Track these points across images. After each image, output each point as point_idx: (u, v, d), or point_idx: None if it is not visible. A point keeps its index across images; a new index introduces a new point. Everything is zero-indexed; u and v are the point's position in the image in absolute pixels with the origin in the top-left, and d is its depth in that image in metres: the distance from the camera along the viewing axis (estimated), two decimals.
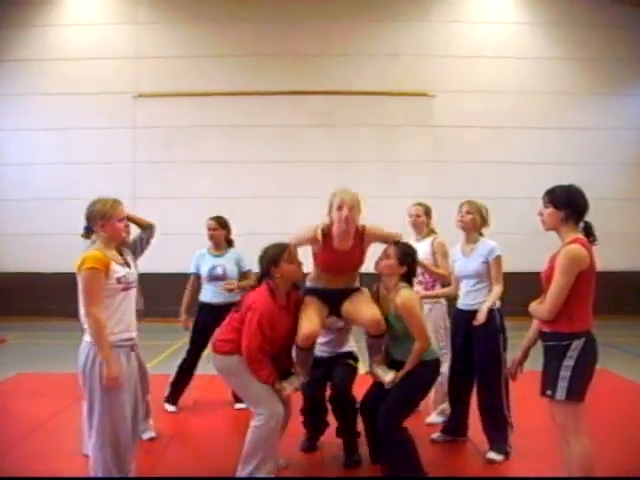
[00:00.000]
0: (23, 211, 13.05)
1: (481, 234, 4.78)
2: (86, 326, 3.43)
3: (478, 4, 13.66)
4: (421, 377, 3.97)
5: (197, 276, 5.84)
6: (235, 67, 13.19)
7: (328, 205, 4.10)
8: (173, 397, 5.71)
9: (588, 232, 3.42)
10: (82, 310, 3.48)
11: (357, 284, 4.28)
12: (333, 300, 4.16)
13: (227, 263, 5.80)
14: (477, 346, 4.58)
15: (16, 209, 13.09)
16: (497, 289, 4.58)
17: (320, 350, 4.48)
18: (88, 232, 3.61)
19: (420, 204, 5.28)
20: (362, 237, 4.10)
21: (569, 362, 3.27)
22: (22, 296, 12.48)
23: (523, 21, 13.66)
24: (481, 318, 4.45)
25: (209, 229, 5.86)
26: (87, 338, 3.45)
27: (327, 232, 4.07)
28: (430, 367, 4.00)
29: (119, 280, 3.49)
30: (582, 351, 3.28)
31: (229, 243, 5.94)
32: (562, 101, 13.40)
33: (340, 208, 3.98)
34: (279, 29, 13.16)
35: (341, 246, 4.06)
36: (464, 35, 13.47)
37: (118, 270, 3.50)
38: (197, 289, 5.89)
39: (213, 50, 13.30)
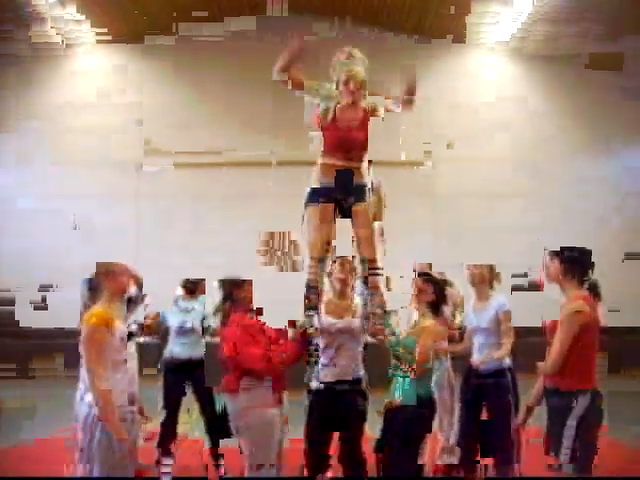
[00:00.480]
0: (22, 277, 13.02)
1: (492, 287, 4.81)
2: (87, 382, 3.37)
3: (474, 79, 14.01)
4: (419, 414, 3.89)
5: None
6: (241, 136, 13.42)
7: (334, 70, 4.19)
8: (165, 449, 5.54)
9: (593, 290, 3.43)
10: (83, 371, 3.42)
11: (365, 180, 4.27)
12: (341, 194, 4.19)
13: (196, 316, 5.85)
14: (488, 406, 4.55)
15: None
16: (507, 343, 4.57)
17: (324, 374, 4.36)
18: (93, 290, 3.61)
19: (427, 264, 5.44)
20: (366, 115, 4.22)
21: (572, 421, 3.20)
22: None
23: (518, 95, 13.96)
24: (482, 362, 4.42)
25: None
26: (87, 397, 3.38)
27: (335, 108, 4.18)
28: (425, 405, 3.93)
29: (122, 339, 3.48)
30: (587, 409, 3.22)
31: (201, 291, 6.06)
32: (560, 168, 13.61)
33: (347, 83, 4.10)
34: (280, 103, 13.39)
35: (348, 118, 4.15)
36: (462, 108, 13.76)
37: (121, 329, 3.49)
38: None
39: (217, 120, 13.61)
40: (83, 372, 3.44)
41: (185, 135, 13.51)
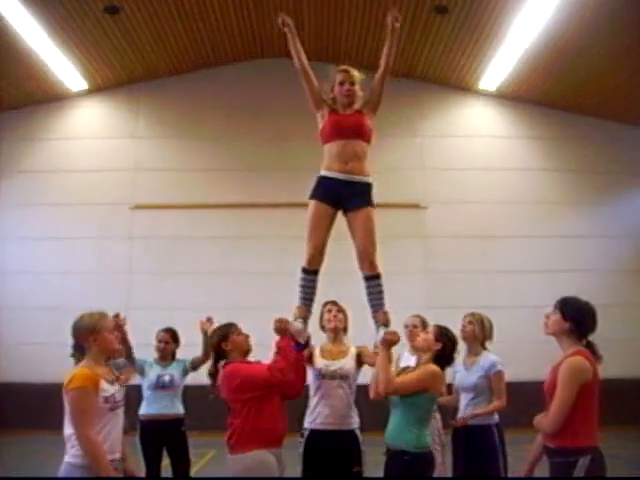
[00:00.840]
0: (17, 320, 12.91)
1: (484, 348, 4.76)
2: (69, 446, 3.24)
3: (467, 119, 14.20)
4: (419, 473, 3.77)
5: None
6: (230, 181, 13.51)
7: (329, 84, 4.30)
8: None
9: (592, 350, 3.33)
10: (67, 431, 3.28)
11: (369, 177, 4.20)
12: (341, 192, 4.09)
13: (174, 372, 5.64)
14: (476, 466, 4.44)
15: (10, 318, 12.96)
16: (496, 403, 4.51)
17: (316, 418, 4.30)
18: (79, 351, 3.44)
19: (417, 315, 5.22)
20: (361, 110, 4.25)
21: None
22: (16, 407, 12.08)
23: (511, 135, 14.16)
24: (461, 421, 4.38)
25: (161, 341, 5.70)
26: (70, 459, 3.24)
27: (332, 105, 4.27)
28: (425, 460, 3.82)
29: (107, 400, 3.32)
30: (589, 469, 3.09)
31: (173, 356, 5.78)
32: (550, 210, 13.70)
33: (342, 83, 4.21)
34: (273, 146, 13.59)
35: (346, 112, 4.21)
36: (454, 149, 13.92)
37: (107, 389, 3.34)
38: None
39: (209, 164, 13.65)
40: (66, 432, 3.31)
41: (179, 178, 13.59)
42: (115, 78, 13.70)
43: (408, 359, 4.69)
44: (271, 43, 13.20)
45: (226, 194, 13.44)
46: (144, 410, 5.56)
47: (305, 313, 4.12)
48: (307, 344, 4.09)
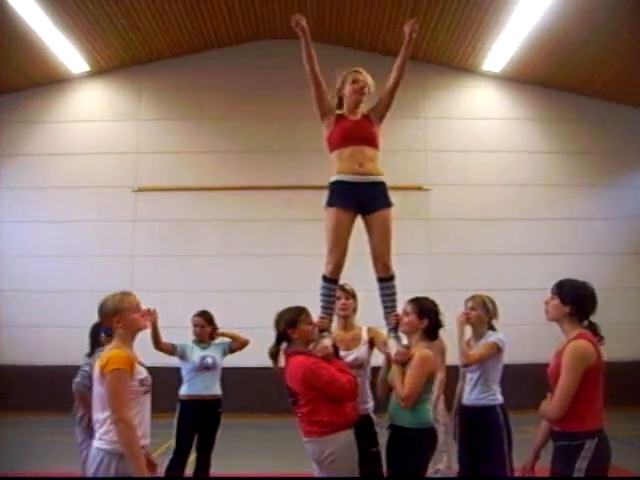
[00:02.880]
0: (20, 303, 12.97)
1: (492, 327, 4.75)
2: (102, 431, 3.20)
3: (470, 101, 14.13)
4: (421, 447, 3.82)
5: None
6: (232, 163, 13.49)
7: (339, 82, 4.32)
8: None
9: (593, 331, 3.31)
10: (100, 415, 3.25)
11: (382, 176, 4.24)
12: (361, 196, 4.09)
13: (215, 354, 5.81)
14: (480, 446, 4.44)
15: (13, 301, 13.01)
16: (471, 354, 4.51)
17: None
18: (109, 334, 3.45)
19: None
20: (368, 116, 4.28)
21: (582, 464, 3.07)
22: (18, 389, 12.16)
23: (514, 117, 14.09)
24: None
25: (196, 325, 5.87)
26: (99, 444, 3.21)
27: (338, 110, 4.29)
28: (427, 435, 3.86)
29: (142, 382, 3.31)
30: (595, 452, 3.09)
31: (212, 338, 5.95)
32: (553, 193, 13.66)
33: (356, 81, 4.22)
34: (276, 128, 13.56)
35: (353, 117, 4.23)
36: (457, 130, 13.86)
37: (141, 371, 3.34)
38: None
39: (211, 146, 13.63)
40: (98, 416, 3.28)
41: (182, 161, 13.56)
42: (117, 60, 13.63)
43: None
44: (273, 24, 13.13)
45: (229, 176, 13.42)
46: (186, 391, 5.71)
47: (329, 324, 4.15)
48: (337, 352, 4.08)
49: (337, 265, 4.12)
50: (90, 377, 4.09)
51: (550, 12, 10.98)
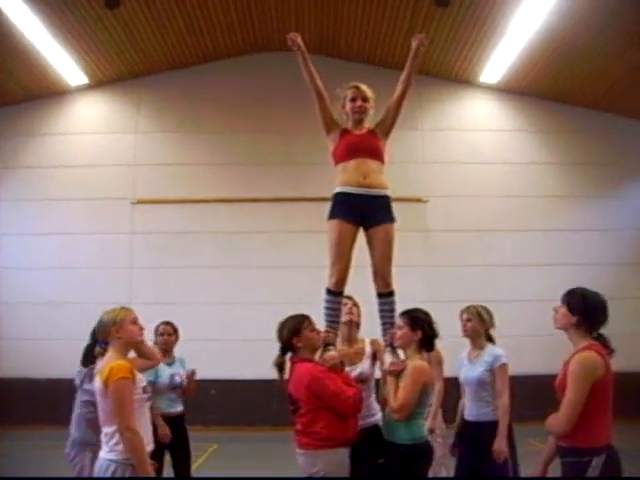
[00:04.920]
0: (18, 315, 12.94)
1: (490, 340, 4.72)
2: (113, 442, 3.21)
3: (467, 112, 14.16)
4: (415, 464, 3.75)
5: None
6: (231, 175, 13.47)
7: (342, 99, 4.31)
8: None
9: (603, 343, 3.20)
10: (108, 428, 3.26)
11: (387, 189, 4.22)
12: (363, 208, 4.06)
13: (180, 370, 5.65)
14: (487, 466, 4.34)
15: (12, 313, 12.97)
16: (504, 404, 4.40)
17: None
18: (103, 347, 3.47)
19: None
20: (374, 131, 4.27)
21: None
22: (17, 402, 12.11)
23: (511, 128, 14.12)
24: (501, 456, 4.25)
25: (164, 334, 5.66)
26: (111, 456, 3.22)
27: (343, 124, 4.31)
28: (421, 451, 3.79)
29: (144, 389, 3.35)
30: (604, 469, 2.95)
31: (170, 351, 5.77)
32: (551, 204, 13.66)
33: (354, 100, 4.21)
34: (274, 140, 13.57)
35: (358, 132, 4.23)
36: (455, 142, 13.89)
37: (141, 379, 3.37)
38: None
39: (209, 159, 13.63)
40: (107, 429, 3.29)
41: (180, 173, 13.57)
42: (115, 72, 13.66)
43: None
44: (271, 37, 13.16)
45: (227, 188, 13.42)
46: (153, 410, 5.42)
47: (335, 338, 4.10)
48: (343, 367, 4.04)
49: (340, 278, 4.08)
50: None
51: (547, 24, 11.03)
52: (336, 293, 4.09)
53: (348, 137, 4.23)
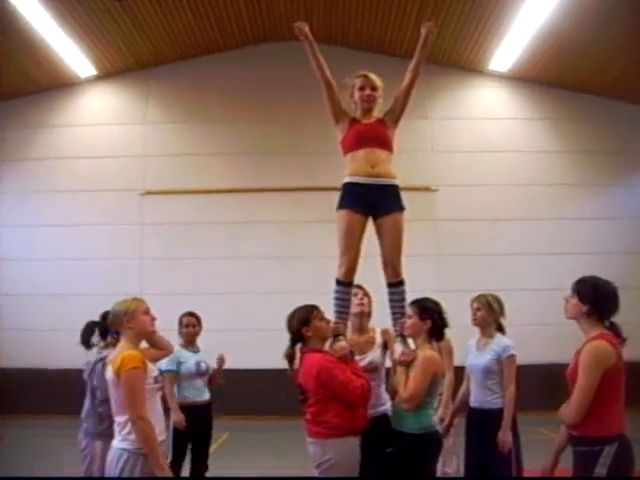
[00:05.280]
0: (26, 306, 13.04)
1: (500, 329, 4.72)
2: (125, 432, 3.24)
3: (476, 101, 14.11)
4: (424, 453, 3.77)
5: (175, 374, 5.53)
6: (240, 165, 13.50)
7: (350, 88, 4.28)
8: None
9: (615, 332, 3.18)
10: (121, 417, 3.29)
11: (395, 178, 4.20)
12: (372, 198, 4.04)
13: (206, 358, 5.71)
14: (488, 449, 4.38)
15: (19, 304, 13.07)
16: (510, 395, 4.42)
17: None
18: (115, 337, 3.51)
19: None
20: (383, 120, 4.25)
21: (601, 470, 2.93)
22: (20, 393, 12.21)
23: (520, 116, 14.06)
24: (505, 445, 4.28)
25: (188, 325, 5.73)
26: (124, 445, 3.25)
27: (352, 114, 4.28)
28: (430, 441, 3.81)
29: (156, 379, 3.38)
30: (615, 458, 2.94)
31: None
32: (560, 192, 13.62)
33: (363, 88, 4.19)
34: (283, 130, 13.57)
35: (367, 121, 4.21)
36: (464, 131, 13.85)
37: (153, 369, 3.40)
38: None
39: (218, 149, 13.65)
40: (120, 419, 3.32)
41: (189, 163, 13.60)
42: (124, 64, 13.67)
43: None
44: (279, 27, 13.12)
45: (236, 178, 13.44)
46: (179, 397, 5.55)
47: (344, 329, 4.09)
48: (353, 356, 4.04)
49: (350, 268, 4.07)
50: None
51: (556, 11, 10.95)
52: (346, 283, 4.08)
53: (357, 126, 4.22)
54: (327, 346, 3.98)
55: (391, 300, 4.12)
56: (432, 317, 3.91)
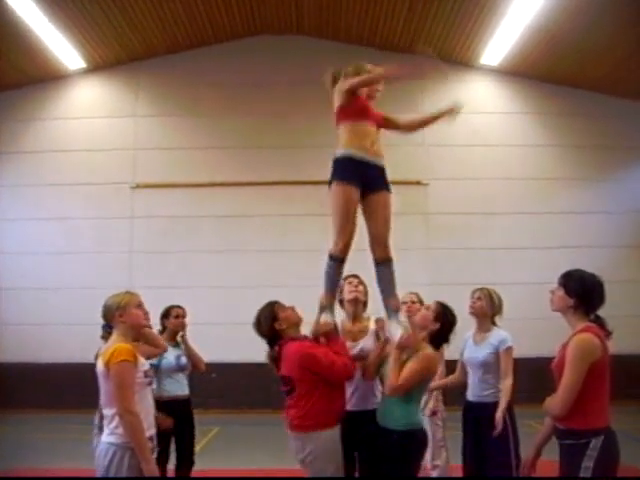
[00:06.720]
0: (20, 300, 12.97)
1: (494, 323, 4.73)
2: (113, 425, 3.22)
3: (467, 95, 14.07)
4: (409, 449, 3.73)
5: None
6: (230, 159, 13.45)
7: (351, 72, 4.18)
8: None
9: (600, 325, 3.18)
10: (109, 410, 3.26)
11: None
12: (366, 175, 3.97)
13: (184, 353, 5.61)
14: (487, 444, 4.41)
15: (14, 298, 13.02)
16: (507, 385, 4.42)
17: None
18: (107, 330, 3.48)
19: (414, 293, 5.25)
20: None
21: (588, 463, 2.94)
22: (19, 387, 12.18)
23: (511, 110, 14.10)
24: (499, 427, 4.26)
25: (178, 317, 5.62)
26: (111, 439, 3.22)
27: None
28: (416, 438, 3.77)
29: (146, 374, 3.35)
30: (602, 451, 2.95)
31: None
32: (551, 186, 13.66)
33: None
34: (272, 123, 13.53)
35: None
36: (455, 125, 13.78)
37: (144, 362, 3.37)
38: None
39: (209, 142, 13.61)
40: (108, 412, 3.30)
41: (180, 157, 13.55)
42: (114, 56, 13.60)
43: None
44: (270, 20, 13.08)
45: (226, 172, 13.41)
46: (159, 392, 5.33)
47: (332, 301, 4.01)
48: (337, 329, 4.01)
49: (347, 243, 3.92)
50: None
51: (547, 6, 10.97)
52: (340, 259, 3.93)
53: (364, 101, 4.15)
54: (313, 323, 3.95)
55: (383, 276, 3.96)
56: (443, 323, 3.92)
